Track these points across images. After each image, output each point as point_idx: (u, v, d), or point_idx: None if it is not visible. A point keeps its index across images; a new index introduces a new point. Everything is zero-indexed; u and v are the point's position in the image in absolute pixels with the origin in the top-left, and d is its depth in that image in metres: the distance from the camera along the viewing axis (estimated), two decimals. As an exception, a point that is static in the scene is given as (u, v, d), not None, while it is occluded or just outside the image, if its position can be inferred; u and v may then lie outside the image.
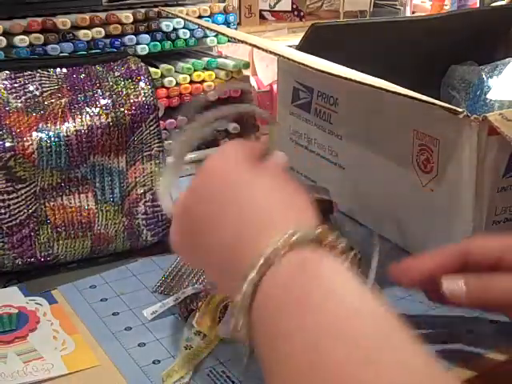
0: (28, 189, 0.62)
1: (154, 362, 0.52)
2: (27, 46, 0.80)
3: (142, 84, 0.66)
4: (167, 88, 0.89)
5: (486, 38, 0.92)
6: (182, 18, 0.89)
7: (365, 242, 0.62)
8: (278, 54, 0.68)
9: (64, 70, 0.66)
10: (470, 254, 0.47)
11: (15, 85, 0.63)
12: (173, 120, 0.90)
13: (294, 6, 1.61)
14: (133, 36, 0.87)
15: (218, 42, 0.96)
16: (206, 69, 0.92)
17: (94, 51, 0.84)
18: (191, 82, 0.91)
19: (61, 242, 0.64)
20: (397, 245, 0.70)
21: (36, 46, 0.81)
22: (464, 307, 0.43)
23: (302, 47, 0.79)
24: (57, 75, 0.65)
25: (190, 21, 0.89)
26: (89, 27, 0.84)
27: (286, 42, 1.14)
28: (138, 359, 0.53)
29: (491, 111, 0.71)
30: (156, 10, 0.89)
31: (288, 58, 0.66)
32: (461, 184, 0.60)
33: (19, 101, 0.63)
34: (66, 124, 0.62)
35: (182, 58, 0.94)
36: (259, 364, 0.35)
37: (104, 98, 0.65)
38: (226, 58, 0.98)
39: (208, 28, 0.90)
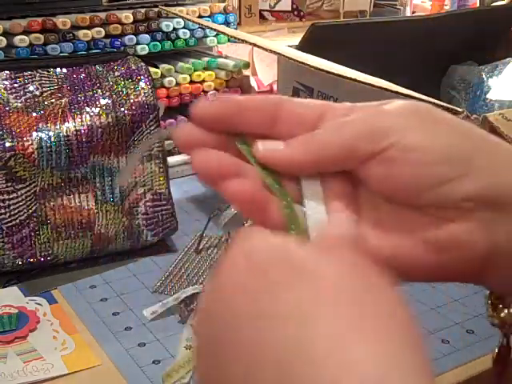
0: (28, 189, 0.62)
1: (154, 362, 0.52)
2: (27, 45, 0.80)
3: (142, 84, 0.66)
4: (167, 88, 0.89)
5: (486, 38, 0.92)
6: (182, 17, 0.89)
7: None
8: (278, 53, 0.68)
9: (64, 70, 0.66)
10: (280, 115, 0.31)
11: (15, 85, 0.63)
12: (173, 120, 0.90)
13: (294, 6, 1.61)
14: (133, 36, 0.87)
15: (218, 42, 0.96)
16: (206, 69, 0.92)
17: (93, 51, 0.84)
18: (191, 81, 0.91)
19: (61, 242, 0.64)
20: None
21: (36, 46, 0.81)
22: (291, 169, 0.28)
23: (302, 47, 0.79)
24: (57, 75, 0.65)
25: (191, 20, 0.89)
26: (89, 27, 0.84)
27: (285, 41, 1.14)
28: (138, 359, 0.53)
29: (491, 111, 0.71)
30: (156, 10, 0.89)
31: (288, 58, 0.66)
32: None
33: (19, 101, 0.63)
34: (66, 124, 0.62)
35: (182, 58, 0.94)
36: None
37: (104, 98, 0.65)
38: (226, 57, 0.98)
39: (208, 27, 0.90)
